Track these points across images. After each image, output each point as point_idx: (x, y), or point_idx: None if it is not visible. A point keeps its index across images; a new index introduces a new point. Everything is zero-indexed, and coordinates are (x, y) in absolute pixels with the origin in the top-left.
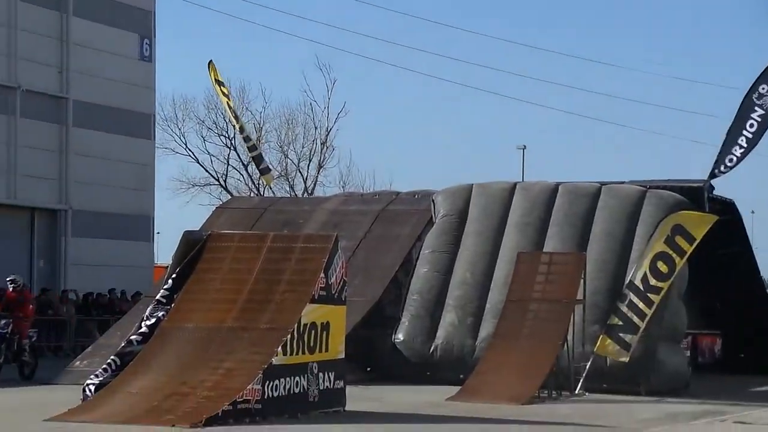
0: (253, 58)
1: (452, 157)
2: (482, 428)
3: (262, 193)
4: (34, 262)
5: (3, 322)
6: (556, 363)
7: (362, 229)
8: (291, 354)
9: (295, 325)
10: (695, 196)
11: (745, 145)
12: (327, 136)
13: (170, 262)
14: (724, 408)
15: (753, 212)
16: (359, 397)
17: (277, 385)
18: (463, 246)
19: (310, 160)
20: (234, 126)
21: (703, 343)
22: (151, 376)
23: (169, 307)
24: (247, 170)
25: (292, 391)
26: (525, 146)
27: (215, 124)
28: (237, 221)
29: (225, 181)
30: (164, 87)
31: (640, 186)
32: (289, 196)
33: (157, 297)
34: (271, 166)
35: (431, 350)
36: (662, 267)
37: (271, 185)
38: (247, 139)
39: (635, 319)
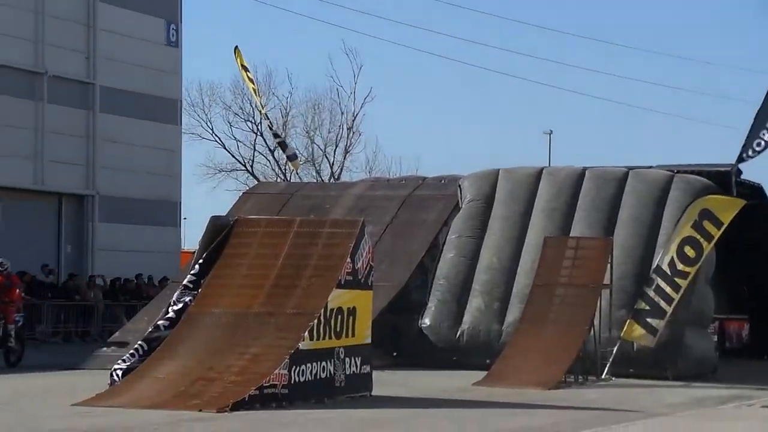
0: (279, 43)
1: (479, 142)
2: (509, 413)
3: (288, 179)
4: (62, 248)
5: None
6: (583, 348)
7: (389, 215)
8: (317, 339)
9: (322, 310)
10: (723, 180)
11: None
12: (353, 121)
13: (197, 247)
14: (752, 393)
15: None
16: (386, 382)
17: (303, 370)
18: (489, 231)
19: (336, 146)
20: (260, 112)
21: (730, 328)
22: (178, 361)
23: (196, 292)
24: (273, 155)
25: (318, 376)
26: (552, 131)
27: (242, 109)
28: (264, 206)
29: (252, 166)
30: (191, 72)
31: (668, 170)
32: (315, 181)
33: (184, 282)
34: (297, 152)
35: (458, 335)
36: (690, 252)
37: (298, 171)
38: (270, 126)
39: (662, 304)
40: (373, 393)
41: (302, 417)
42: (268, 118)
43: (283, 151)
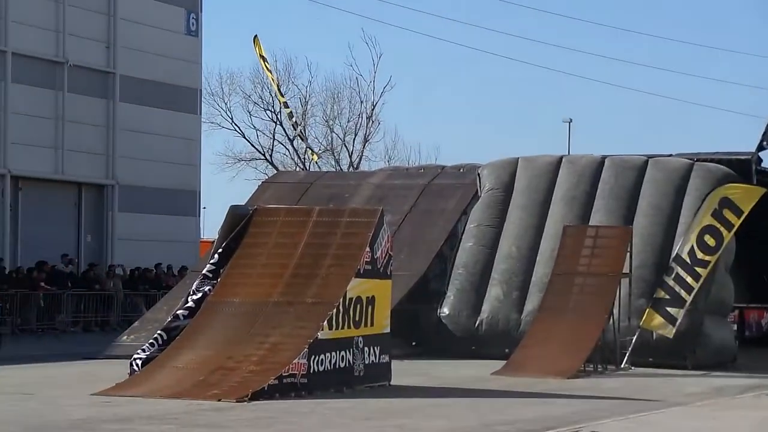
0: (299, 32)
1: (498, 130)
2: (528, 402)
3: (307, 168)
4: (82, 237)
5: None
6: (602, 337)
7: (407, 204)
8: (337, 328)
9: (341, 300)
10: (743, 168)
11: None
12: (372, 110)
13: (216, 236)
14: None
15: None
16: (405, 371)
17: (322, 359)
18: (508, 220)
19: (355, 135)
20: (279, 101)
21: (750, 317)
22: (198, 350)
23: (215, 281)
24: (293, 145)
25: (337, 366)
26: (571, 119)
27: (261, 98)
28: (283, 196)
29: (271, 155)
30: (210, 61)
31: (688, 159)
32: (334, 170)
33: (204, 271)
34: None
35: (476, 324)
36: (710, 240)
37: (317, 160)
38: (290, 115)
39: (682, 293)
40: (392, 382)
41: (321, 406)
42: (288, 107)
43: (305, 140)
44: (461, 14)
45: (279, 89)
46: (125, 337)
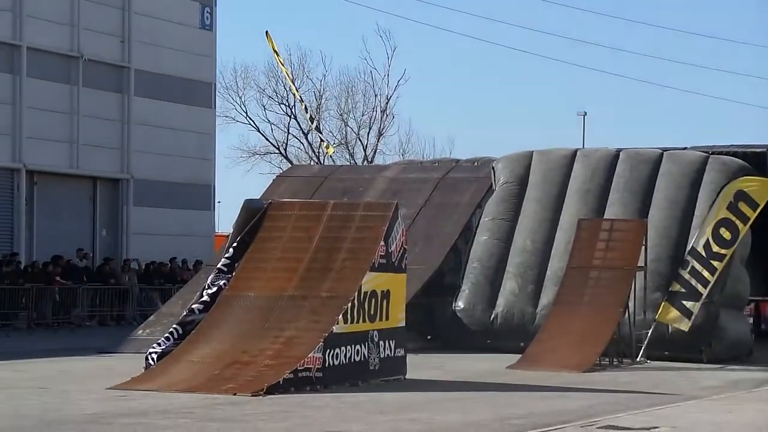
0: (313, 26)
1: (512, 124)
2: (543, 396)
3: (322, 162)
4: (97, 231)
5: None
6: (617, 330)
7: (422, 197)
8: (351, 322)
9: (356, 294)
10: (758, 161)
11: None
12: (387, 103)
13: (231, 230)
14: None
15: None
16: (420, 365)
17: (337, 353)
18: (523, 213)
19: (369, 128)
20: (294, 95)
21: (765, 310)
22: (213, 344)
23: (230, 275)
24: (307, 138)
25: (352, 360)
26: (586, 112)
27: (275, 92)
28: (297, 190)
29: (285, 149)
30: (225, 55)
31: (703, 152)
32: (349, 164)
33: (219, 266)
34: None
35: (491, 318)
36: (725, 233)
37: (332, 153)
38: (306, 109)
39: (698, 286)
40: (407, 376)
41: (336, 400)
42: (303, 101)
43: (321, 139)
44: (475, 7)
45: (293, 83)
46: (140, 332)
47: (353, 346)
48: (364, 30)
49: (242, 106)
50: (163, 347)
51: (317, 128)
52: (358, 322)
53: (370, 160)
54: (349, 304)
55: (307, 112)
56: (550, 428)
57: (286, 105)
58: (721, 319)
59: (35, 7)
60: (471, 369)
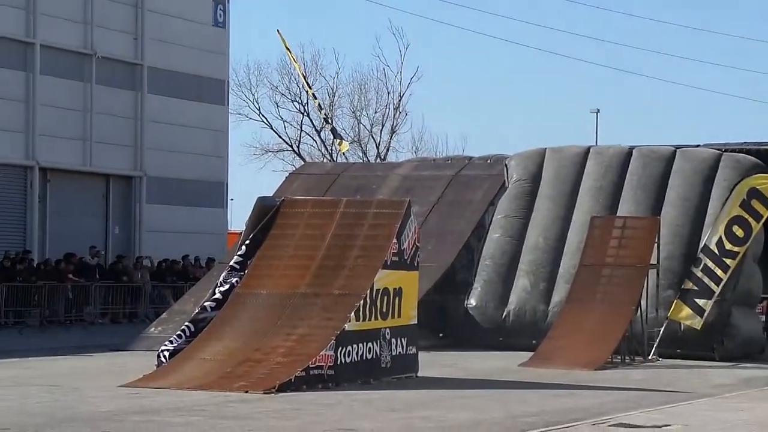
0: (326, 23)
1: (525, 121)
2: (555, 394)
3: (335, 159)
4: (110, 229)
5: None
6: (630, 328)
7: (435, 195)
8: (363, 320)
9: (368, 291)
10: None
11: None
12: (400, 101)
13: (244, 228)
14: None
15: None
16: (432, 363)
17: (349, 351)
18: (536, 211)
19: (382, 126)
20: (307, 92)
21: None
22: (225, 342)
23: (242, 273)
24: (320, 136)
25: (364, 357)
26: (599, 110)
27: (288, 89)
28: (310, 187)
29: (298, 146)
30: (238, 53)
31: (716, 149)
32: (361, 161)
33: (231, 263)
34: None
35: (504, 316)
36: (738, 231)
37: (345, 150)
38: (320, 107)
39: (710, 284)
40: (419, 374)
41: (348, 398)
42: (317, 98)
43: (334, 132)
44: (488, 5)
45: (306, 80)
46: (153, 329)
47: (365, 343)
48: (377, 27)
49: (255, 103)
50: (175, 345)
51: (332, 131)
52: (370, 319)
53: (382, 157)
54: (362, 302)
55: (321, 111)
56: (562, 426)
57: (299, 102)
58: (733, 316)
59: (49, 5)
60: (483, 367)
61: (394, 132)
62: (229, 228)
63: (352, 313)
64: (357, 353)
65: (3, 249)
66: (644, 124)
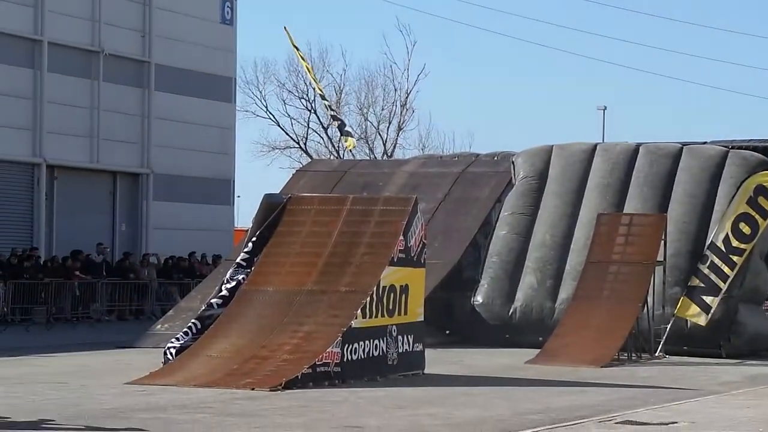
0: (333, 21)
1: (532, 118)
2: (561, 391)
3: (341, 156)
4: (116, 226)
5: None
6: (636, 325)
7: (441, 192)
8: (370, 317)
9: (375, 288)
10: None
11: None
12: (407, 98)
13: (250, 225)
14: None
15: None
16: (438, 360)
17: (356, 348)
18: (542, 208)
19: (389, 123)
20: (314, 89)
21: None
22: (231, 339)
23: (249, 270)
24: (327, 133)
25: (371, 354)
26: (606, 107)
27: (295, 87)
28: (317, 184)
29: (305, 144)
30: (245, 50)
31: (722, 146)
32: (368, 158)
33: (238, 260)
34: (350, 129)
35: (510, 313)
36: (745, 228)
37: (352, 148)
38: (329, 107)
39: (717, 281)
40: (426, 371)
41: (354, 395)
42: (326, 99)
43: (341, 128)
44: (495, 1)
45: (314, 78)
46: (159, 326)
47: (372, 340)
48: (384, 24)
49: (262, 100)
50: (182, 342)
51: (339, 128)
52: (376, 316)
53: (389, 154)
54: (368, 299)
55: (330, 110)
56: (568, 424)
57: (306, 100)
58: (740, 314)
59: (56, 2)
60: (489, 364)
61: (401, 129)
62: (236, 225)
63: (359, 311)
64: (363, 350)
65: (10, 246)
66: (651, 121)
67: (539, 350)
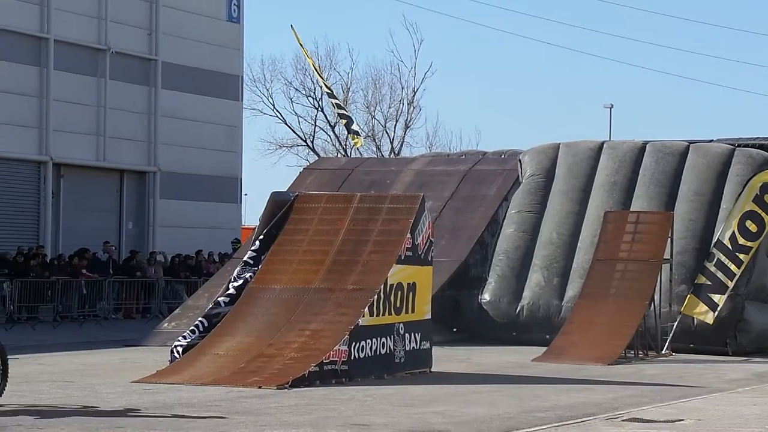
0: (340, 19)
1: (539, 116)
2: (568, 389)
3: (349, 154)
4: (123, 224)
5: None
6: (643, 323)
7: (448, 190)
8: (377, 315)
9: (382, 286)
10: None
11: None
12: (413, 96)
13: (257, 223)
14: None
15: None
16: (445, 358)
17: (363, 346)
18: (549, 206)
19: (396, 121)
20: (321, 87)
21: None
22: (238, 337)
23: (256, 268)
24: (334, 131)
25: (378, 352)
26: (612, 105)
27: (303, 85)
28: (324, 182)
29: (312, 142)
30: (252, 48)
31: (729, 144)
32: (375, 156)
33: (245, 258)
34: (358, 127)
35: (517, 311)
36: (751, 226)
37: (360, 145)
38: (338, 106)
39: (724, 278)
40: (433, 369)
41: (361, 393)
42: (335, 96)
43: (348, 127)
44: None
45: (321, 76)
46: (166, 324)
47: (379, 338)
48: (391, 22)
49: (269, 98)
50: (189, 340)
51: (347, 126)
52: (384, 314)
53: (396, 152)
54: (375, 297)
55: (338, 108)
56: (576, 421)
57: (313, 98)
58: (746, 311)
59: (63, 0)
60: (496, 362)
61: (408, 127)
62: (243, 223)
63: (366, 308)
64: (371, 348)
65: (16, 244)
66: (658, 119)
67: (546, 348)
